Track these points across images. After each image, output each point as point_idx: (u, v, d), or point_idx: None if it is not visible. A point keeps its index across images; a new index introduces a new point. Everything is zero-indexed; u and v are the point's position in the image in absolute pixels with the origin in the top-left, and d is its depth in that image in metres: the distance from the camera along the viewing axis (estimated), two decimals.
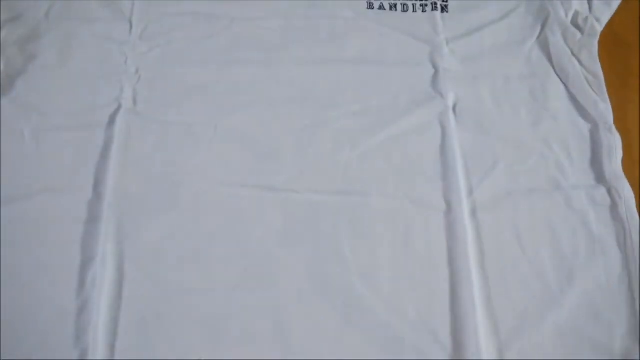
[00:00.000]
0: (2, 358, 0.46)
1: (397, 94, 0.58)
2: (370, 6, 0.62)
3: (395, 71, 0.59)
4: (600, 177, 0.54)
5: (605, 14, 0.62)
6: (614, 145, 0.55)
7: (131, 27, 0.60)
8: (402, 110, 0.57)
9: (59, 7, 0.61)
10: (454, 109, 0.57)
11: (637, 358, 0.46)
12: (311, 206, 0.52)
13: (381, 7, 0.62)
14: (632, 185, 0.53)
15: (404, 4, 0.62)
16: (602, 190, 0.53)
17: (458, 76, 0.59)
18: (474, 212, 0.52)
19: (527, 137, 0.56)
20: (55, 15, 0.60)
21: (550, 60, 0.60)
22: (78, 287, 0.48)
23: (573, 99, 0.58)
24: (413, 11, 0.62)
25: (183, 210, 0.52)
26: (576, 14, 0.61)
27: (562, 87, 0.58)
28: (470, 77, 0.59)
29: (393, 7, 0.62)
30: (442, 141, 0.56)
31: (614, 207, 0.52)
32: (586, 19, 0.61)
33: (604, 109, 0.56)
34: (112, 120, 0.55)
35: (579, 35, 0.60)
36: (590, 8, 0.62)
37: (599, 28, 0.61)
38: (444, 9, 0.62)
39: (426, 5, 0.62)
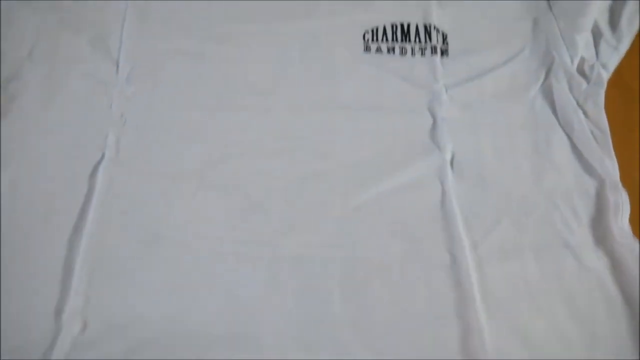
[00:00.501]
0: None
1: (393, 145, 0.55)
2: (367, 48, 0.60)
3: (392, 120, 0.56)
4: (608, 235, 0.51)
5: (612, 59, 0.59)
6: (620, 202, 0.52)
7: (118, 67, 0.58)
8: (398, 163, 0.54)
9: (43, 46, 0.58)
10: (452, 162, 0.54)
11: None
12: (300, 262, 0.50)
13: (378, 50, 0.59)
14: None
15: (402, 47, 0.60)
16: (612, 249, 0.50)
17: (457, 126, 0.56)
18: (480, 266, 0.50)
19: (530, 192, 0.53)
20: (38, 54, 0.58)
21: (554, 110, 0.57)
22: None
23: (578, 153, 0.55)
24: (411, 55, 0.59)
25: (160, 268, 0.49)
26: (582, 60, 0.59)
27: (566, 140, 0.56)
28: (470, 126, 0.56)
29: (391, 50, 0.59)
30: (442, 196, 0.53)
31: (625, 266, 0.50)
32: (592, 67, 0.58)
33: (610, 166, 0.54)
34: (94, 171, 0.53)
35: (584, 84, 0.57)
36: (597, 53, 0.59)
37: (606, 76, 0.58)
38: (444, 52, 0.59)
39: (425, 48, 0.59)
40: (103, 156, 0.54)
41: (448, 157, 0.54)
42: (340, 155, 0.54)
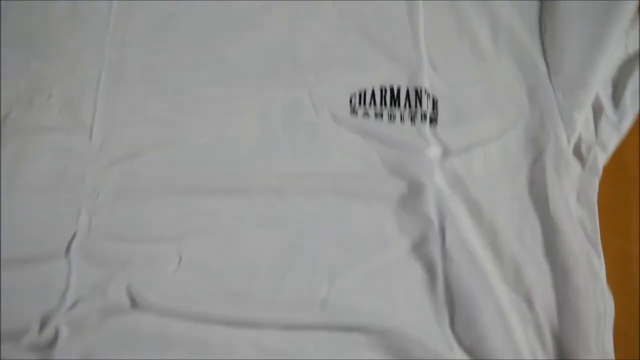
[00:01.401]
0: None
1: (381, 219, 0.53)
2: (354, 112, 0.56)
3: (380, 191, 0.54)
4: (585, 349, 0.48)
5: (612, 139, 0.56)
6: (603, 312, 0.49)
7: (91, 136, 0.55)
8: (386, 240, 0.52)
9: (14, 116, 0.55)
10: (441, 236, 0.52)
11: None
12: (286, 343, 0.48)
13: (365, 114, 0.56)
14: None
15: (391, 113, 0.56)
16: None
17: (446, 198, 0.53)
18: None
19: (510, 286, 0.50)
20: (9, 124, 0.55)
21: (544, 194, 0.53)
22: None
23: (565, 247, 0.52)
24: (400, 122, 0.56)
25: (139, 353, 0.48)
26: (579, 140, 0.55)
27: (553, 230, 0.52)
28: (458, 200, 0.53)
29: (379, 115, 0.56)
30: (431, 274, 0.51)
31: None
32: (590, 149, 0.55)
33: (598, 266, 0.51)
34: (67, 250, 0.51)
35: (579, 169, 0.54)
36: (596, 131, 0.56)
37: (603, 160, 0.55)
38: (433, 120, 0.56)
39: (415, 115, 0.56)
40: (75, 234, 0.51)
41: (438, 229, 0.52)
42: (327, 232, 0.52)
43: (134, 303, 0.49)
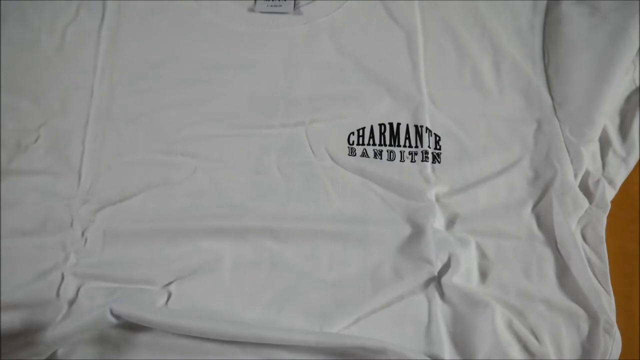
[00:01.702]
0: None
1: (378, 261, 0.51)
2: (352, 152, 0.54)
3: (378, 234, 0.52)
4: None
5: (620, 173, 0.54)
6: (609, 350, 0.48)
7: (79, 179, 0.53)
8: (383, 282, 0.50)
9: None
10: (440, 280, 0.50)
11: None
12: None
13: (364, 154, 0.54)
14: None
15: (390, 152, 0.54)
16: None
17: (447, 240, 0.51)
18: None
19: (511, 323, 0.49)
20: None
21: (551, 231, 0.52)
22: None
23: (572, 283, 0.50)
24: (400, 160, 0.54)
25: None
26: (586, 174, 0.53)
27: (561, 266, 0.51)
28: (460, 241, 0.51)
29: (378, 154, 0.54)
30: (428, 318, 0.49)
31: None
32: (597, 183, 0.53)
33: (606, 303, 0.49)
34: (57, 294, 0.49)
35: (586, 204, 0.52)
36: (603, 165, 0.54)
37: (611, 194, 0.53)
38: (435, 158, 0.54)
39: (416, 153, 0.54)
40: (63, 278, 0.49)
41: (437, 272, 0.50)
42: (321, 274, 0.50)
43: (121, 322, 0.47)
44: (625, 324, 0.50)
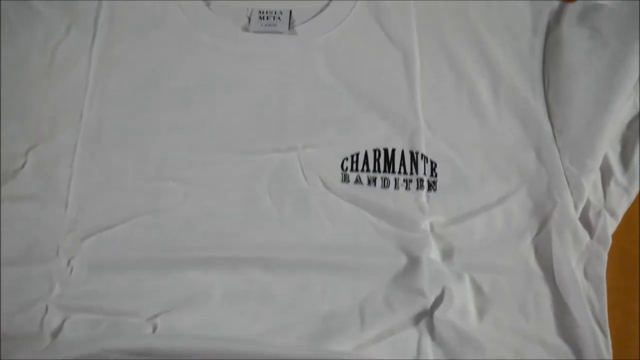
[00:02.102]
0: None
1: (370, 293, 0.49)
2: (345, 179, 0.53)
3: (371, 264, 0.50)
4: None
5: (622, 204, 0.53)
6: None
7: (66, 206, 0.51)
8: (374, 314, 0.48)
9: None
10: (433, 314, 0.48)
11: None
12: None
13: (357, 181, 0.53)
14: None
15: (385, 179, 0.53)
16: None
17: (442, 273, 0.50)
18: None
19: None
20: None
21: (550, 266, 0.50)
22: None
23: (570, 323, 0.48)
24: (395, 188, 0.53)
25: None
26: (587, 205, 0.52)
27: (559, 304, 0.49)
28: (455, 273, 0.50)
29: (372, 181, 0.53)
30: (417, 353, 0.47)
31: None
32: (599, 214, 0.51)
33: (604, 346, 0.48)
34: (40, 326, 0.47)
35: (587, 238, 0.51)
36: (604, 195, 0.53)
37: (613, 226, 0.52)
38: (431, 186, 0.53)
39: (411, 181, 0.53)
40: (47, 310, 0.48)
41: (430, 306, 0.49)
42: (311, 307, 0.49)
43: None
44: (626, 324, 0.50)
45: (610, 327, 0.49)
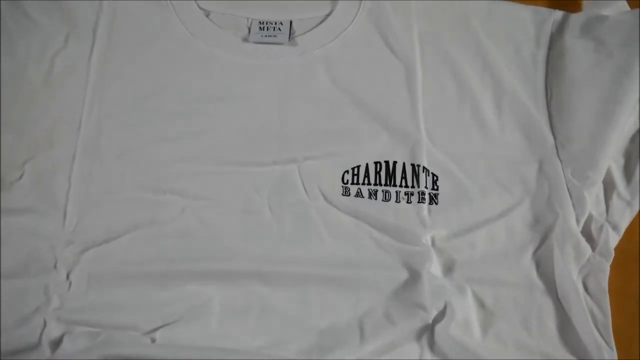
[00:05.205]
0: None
1: (370, 307, 0.49)
2: (346, 192, 0.52)
3: (371, 278, 0.50)
4: None
5: (624, 218, 0.52)
6: None
7: (64, 218, 0.51)
8: (374, 328, 0.48)
9: None
10: (434, 328, 0.48)
11: None
12: None
13: (358, 194, 0.52)
14: None
15: (386, 192, 0.52)
16: None
17: (443, 287, 0.50)
18: None
19: None
20: None
21: (552, 279, 0.50)
22: None
23: (573, 336, 0.48)
24: (396, 201, 0.52)
25: None
26: (589, 218, 0.51)
27: (561, 318, 0.49)
28: (456, 287, 0.50)
29: (373, 194, 0.52)
30: None
31: None
32: (601, 228, 0.51)
33: (608, 357, 0.47)
34: (39, 341, 0.47)
35: (589, 252, 0.50)
36: (607, 209, 0.52)
37: (615, 240, 0.51)
38: (433, 199, 0.52)
39: (412, 194, 0.52)
40: (45, 325, 0.48)
41: (431, 320, 0.48)
42: (311, 321, 0.49)
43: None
44: (626, 324, 0.50)
45: None
